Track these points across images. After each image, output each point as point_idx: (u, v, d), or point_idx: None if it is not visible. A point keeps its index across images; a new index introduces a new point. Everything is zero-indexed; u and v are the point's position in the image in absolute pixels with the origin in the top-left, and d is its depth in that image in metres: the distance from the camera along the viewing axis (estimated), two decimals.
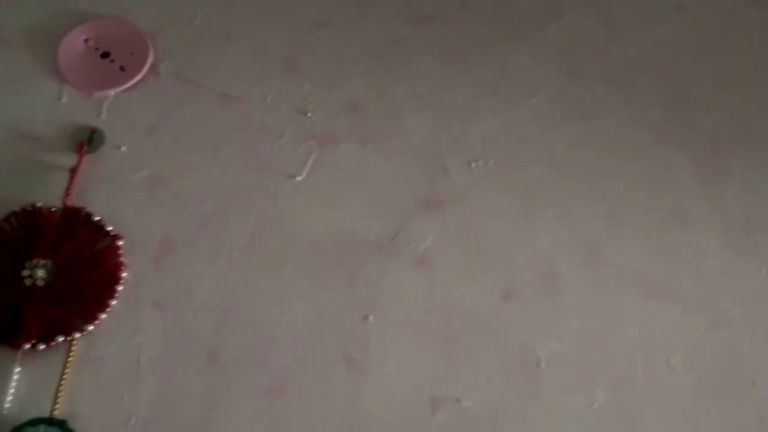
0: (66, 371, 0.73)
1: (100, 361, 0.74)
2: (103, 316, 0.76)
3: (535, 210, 0.87)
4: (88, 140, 0.83)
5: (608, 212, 0.87)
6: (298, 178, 0.86)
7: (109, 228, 0.79)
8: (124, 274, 0.78)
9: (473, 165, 0.89)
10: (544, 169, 0.89)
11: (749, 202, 0.89)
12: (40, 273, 0.75)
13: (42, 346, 0.73)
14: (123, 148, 0.84)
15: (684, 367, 0.80)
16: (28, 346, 0.73)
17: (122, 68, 0.88)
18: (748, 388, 0.79)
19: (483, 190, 0.87)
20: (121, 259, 0.78)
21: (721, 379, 0.79)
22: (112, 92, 0.87)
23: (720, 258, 0.85)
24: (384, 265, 0.82)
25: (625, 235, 0.86)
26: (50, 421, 0.70)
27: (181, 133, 0.86)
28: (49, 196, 0.80)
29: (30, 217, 0.78)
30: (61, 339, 0.74)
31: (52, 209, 0.79)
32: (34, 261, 0.76)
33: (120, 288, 0.77)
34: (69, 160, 0.82)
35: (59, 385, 0.72)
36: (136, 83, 0.89)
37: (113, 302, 0.76)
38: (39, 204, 0.79)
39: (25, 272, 0.75)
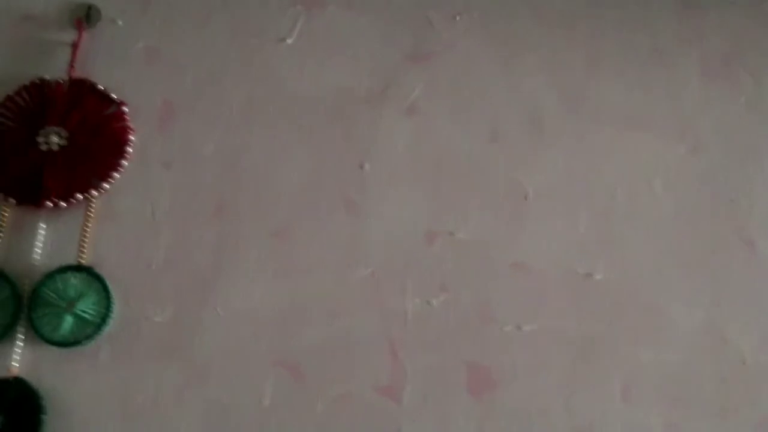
0: (87, 226, 0.79)
1: (118, 216, 0.80)
2: (117, 175, 0.81)
3: (517, 56, 0.90)
4: (85, 16, 0.87)
5: (588, 54, 0.90)
6: (289, 41, 0.89)
7: (114, 96, 0.84)
8: (131, 137, 0.83)
9: (457, 18, 0.92)
10: (525, 18, 0.92)
11: (727, 35, 0.91)
12: (54, 139, 0.80)
13: (63, 204, 0.79)
14: (119, 22, 0.88)
15: (664, 191, 0.84)
16: (50, 204, 0.78)
17: None
18: (727, 206, 0.84)
19: (467, 41, 0.91)
20: (128, 123, 0.83)
21: (700, 199, 0.84)
22: None
23: (698, 89, 0.89)
24: (376, 117, 0.86)
25: (605, 75, 0.89)
26: (78, 268, 0.76)
27: (173, 4, 0.90)
28: (54, 70, 0.84)
29: (39, 90, 0.83)
30: (79, 197, 0.79)
31: (60, 81, 0.83)
32: (47, 128, 0.81)
33: (129, 149, 0.82)
34: (70, 35, 0.86)
35: (82, 237, 0.78)
36: None
37: (124, 162, 0.82)
38: (47, 77, 0.83)
39: (40, 139, 0.80)
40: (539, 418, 0.75)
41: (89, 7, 0.88)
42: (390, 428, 0.74)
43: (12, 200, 0.79)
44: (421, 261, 0.80)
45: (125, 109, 0.84)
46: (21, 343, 0.74)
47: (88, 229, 0.79)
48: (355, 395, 0.75)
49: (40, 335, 0.74)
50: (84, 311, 0.75)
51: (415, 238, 0.81)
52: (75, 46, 0.86)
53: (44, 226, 0.78)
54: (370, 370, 0.76)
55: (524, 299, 0.79)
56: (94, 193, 0.80)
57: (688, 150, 0.86)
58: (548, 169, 0.84)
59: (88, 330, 0.75)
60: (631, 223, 0.82)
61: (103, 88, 0.84)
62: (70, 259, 0.77)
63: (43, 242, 0.78)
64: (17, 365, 0.73)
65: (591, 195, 0.83)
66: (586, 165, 0.85)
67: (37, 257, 0.77)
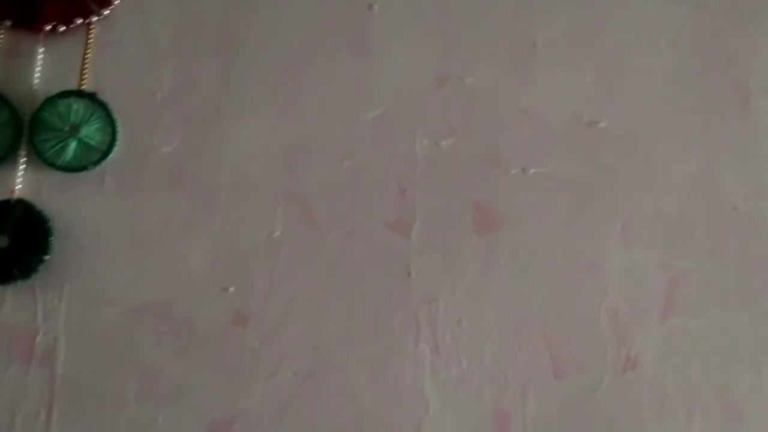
0: (87, 52, 0.76)
1: (119, 44, 0.77)
2: (117, 1, 0.77)
3: None
4: None
5: None
6: None
7: None
8: None
9: None
10: None
11: None
12: None
13: (62, 28, 0.75)
14: None
15: (667, 46, 0.85)
16: (48, 28, 0.75)
17: None
18: (725, 63, 0.85)
19: None
20: None
21: (700, 56, 0.85)
22: None
23: None
24: None
25: None
26: (80, 94, 0.74)
27: None
28: None
29: None
30: (79, 22, 0.75)
31: None
32: None
33: None
34: None
35: (83, 64, 0.75)
36: None
37: None
38: None
39: None
40: (542, 257, 0.77)
41: None
42: (399, 262, 0.76)
43: (7, 23, 0.75)
44: (430, 104, 0.80)
45: None
46: (23, 167, 0.72)
47: (88, 56, 0.76)
48: (365, 230, 0.76)
49: (42, 159, 0.72)
50: (88, 137, 0.73)
51: (425, 81, 0.81)
52: None
53: (42, 50, 0.75)
54: (380, 207, 0.77)
55: (530, 144, 0.80)
56: (94, 18, 0.76)
57: (691, 7, 0.86)
58: (557, 19, 0.84)
59: (93, 157, 0.73)
60: (634, 75, 0.84)
61: None
62: (71, 86, 0.74)
63: (42, 67, 0.75)
64: (20, 188, 0.71)
65: (597, 47, 0.84)
66: (594, 17, 0.85)
67: (36, 82, 0.74)
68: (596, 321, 0.76)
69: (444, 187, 0.78)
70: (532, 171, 0.80)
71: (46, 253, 0.69)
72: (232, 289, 0.73)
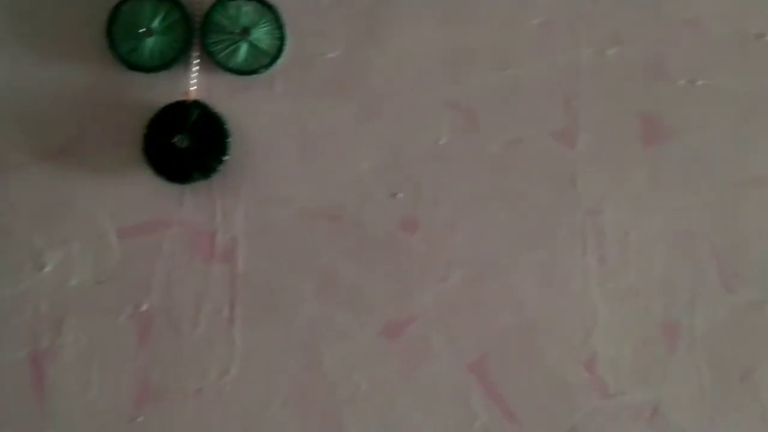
0: None
1: None
2: None
3: None
4: None
5: None
6: None
7: None
8: None
9: None
10: None
11: None
12: None
13: None
14: None
15: None
16: None
17: None
18: None
19: None
20: None
21: None
22: None
23: None
24: None
25: None
26: None
27: None
28: None
29: None
30: None
31: None
32: None
33: None
34: None
35: None
36: None
37: None
38: None
39: None
40: (709, 170, 0.76)
41: None
42: (564, 171, 0.75)
43: None
44: (594, 12, 0.78)
45: None
46: (196, 68, 0.72)
47: None
48: (529, 138, 0.75)
49: (215, 61, 0.72)
50: (258, 40, 0.72)
51: None
52: None
53: None
54: (544, 116, 0.76)
55: (697, 56, 0.78)
56: None
57: None
58: None
59: (263, 60, 0.72)
60: None
61: None
62: None
63: None
64: (194, 89, 0.71)
65: None
66: None
67: None
68: (764, 235, 0.75)
69: (609, 97, 0.77)
70: (699, 83, 0.77)
71: (224, 154, 0.70)
72: (400, 195, 0.73)
